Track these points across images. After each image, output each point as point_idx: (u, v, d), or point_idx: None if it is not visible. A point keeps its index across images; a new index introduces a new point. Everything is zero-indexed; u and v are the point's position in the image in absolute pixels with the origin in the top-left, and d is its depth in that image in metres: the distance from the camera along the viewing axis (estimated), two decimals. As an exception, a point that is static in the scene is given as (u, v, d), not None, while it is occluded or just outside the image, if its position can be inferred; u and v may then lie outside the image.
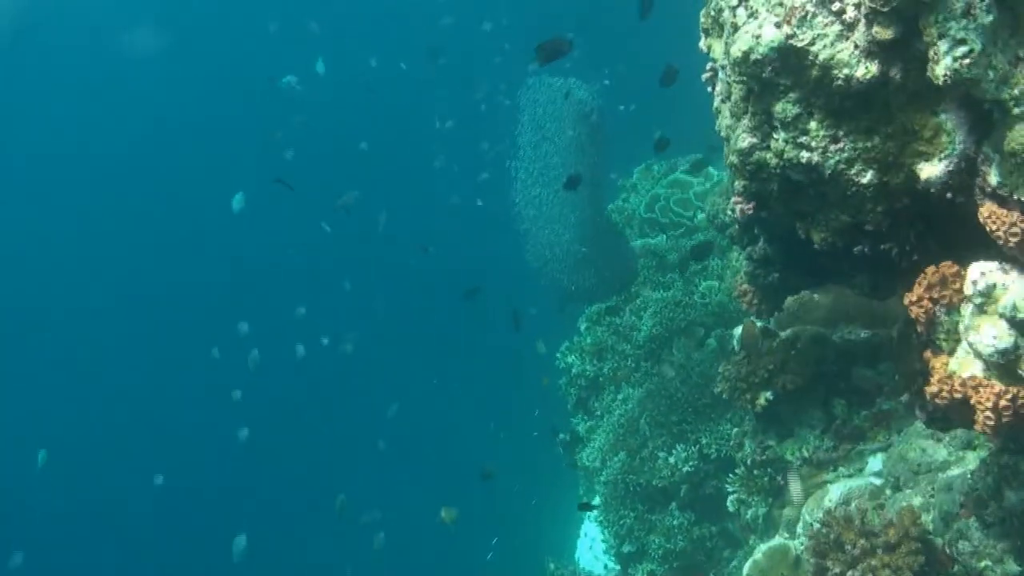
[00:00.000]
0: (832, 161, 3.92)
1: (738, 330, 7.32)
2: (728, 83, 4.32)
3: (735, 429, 7.60)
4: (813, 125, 3.93)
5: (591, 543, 11.14)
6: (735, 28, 4.10)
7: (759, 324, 7.02)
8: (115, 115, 27.76)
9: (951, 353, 3.90)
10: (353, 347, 16.61)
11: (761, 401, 6.77)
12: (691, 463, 9.18)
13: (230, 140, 25.24)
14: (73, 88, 28.63)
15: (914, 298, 3.95)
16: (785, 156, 4.02)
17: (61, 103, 28.70)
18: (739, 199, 4.40)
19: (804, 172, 4.02)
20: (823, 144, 3.92)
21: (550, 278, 11.06)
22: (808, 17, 3.77)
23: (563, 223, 10.79)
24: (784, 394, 6.72)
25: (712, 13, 4.39)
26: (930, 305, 3.91)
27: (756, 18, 4.02)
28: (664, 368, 9.43)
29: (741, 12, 4.09)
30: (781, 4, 3.89)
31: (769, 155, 4.11)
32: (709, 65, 4.79)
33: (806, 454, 6.70)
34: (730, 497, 7.45)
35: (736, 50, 3.96)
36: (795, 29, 3.80)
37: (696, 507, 9.34)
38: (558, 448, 11.46)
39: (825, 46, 3.76)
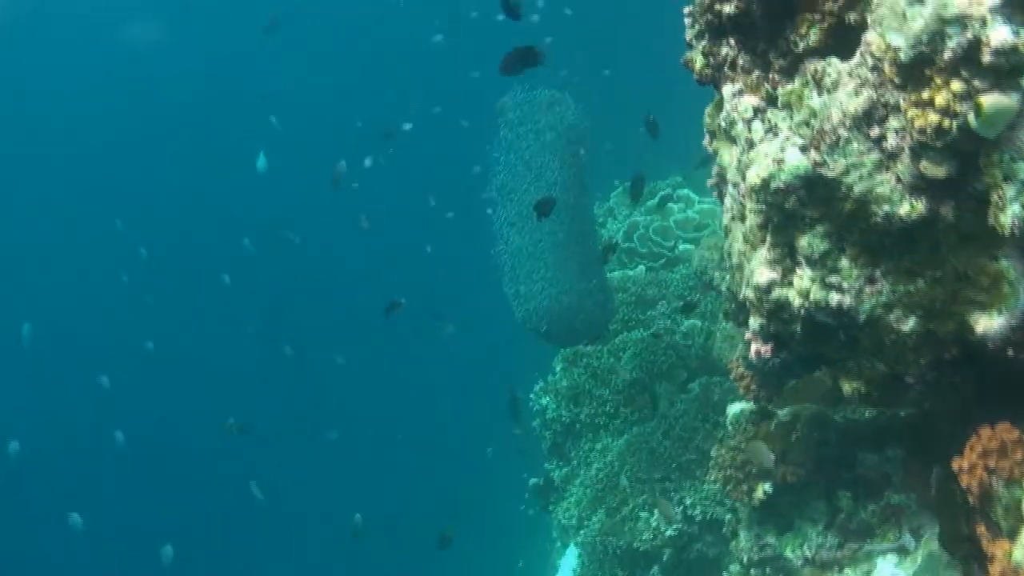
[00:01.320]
0: (867, 305, 3.31)
1: (732, 408, 6.73)
2: (741, 203, 3.70)
3: (728, 516, 7.02)
4: (845, 263, 3.32)
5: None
6: (750, 144, 3.48)
7: (753, 405, 6.43)
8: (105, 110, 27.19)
9: (1013, 537, 3.30)
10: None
11: (759, 494, 6.17)
12: (675, 525, 8.59)
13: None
14: (70, 82, 27.93)
15: (965, 465, 3.35)
16: (811, 297, 3.41)
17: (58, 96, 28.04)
18: (754, 338, 3.79)
19: (833, 315, 3.41)
20: (857, 285, 3.31)
21: (528, 320, 10.33)
22: (841, 143, 3.15)
23: (545, 262, 10.04)
24: (784, 486, 6.15)
25: (723, 124, 3.75)
26: (985, 476, 3.31)
27: (776, 136, 3.40)
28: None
29: (758, 126, 3.47)
30: (807, 124, 3.27)
31: (792, 294, 3.50)
32: (715, 170, 4.17)
33: (808, 553, 6.11)
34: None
35: (754, 175, 3.34)
36: (825, 156, 3.18)
37: (679, 572, 8.76)
38: (527, 495, 10.87)
39: (861, 177, 3.15)
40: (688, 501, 8.62)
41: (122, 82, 27.28)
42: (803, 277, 3.41)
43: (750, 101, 3.51)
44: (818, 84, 3.27)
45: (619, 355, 10.00)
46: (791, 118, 3.38)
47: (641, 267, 10.87)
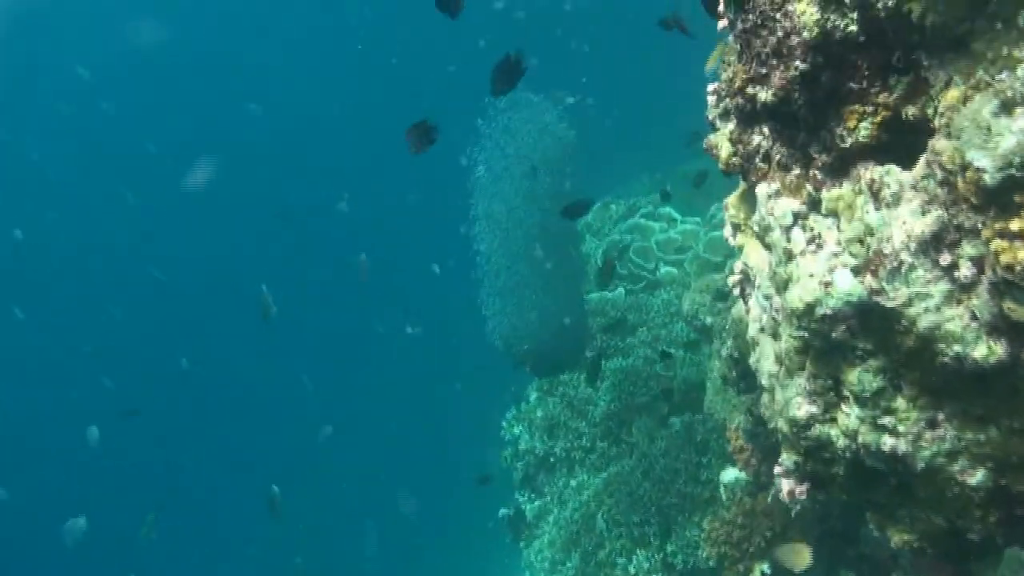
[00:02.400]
0: (927, 453, 2.82)
1: (726, 476, 6.26)
2: (774, 318, 3.19)
3: (716, 585, 6.56)
4: (902, 404, 2.82)
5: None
6: (789, 256, 2.98)
7: (745, 476, 5.96)
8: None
9: None
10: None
11: (756, 575, 5.73)
12: None
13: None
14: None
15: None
16: (860, 439, 2.91)
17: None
18: (787, 476, 3.29)
19: (885, 461, 2.92)
20: (915, 430, 2.82)
21: (508, 349, 9.78)
22: (903, 269, 2.65)
23: (526, 291, 9.48)
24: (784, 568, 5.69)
25: (755, 228, 3.22)
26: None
27: (820, 248, 2.90)
28: None
29: (798, 236, 2.97)
30: (860, 242, 2.77)
31: (835, 432, 3.00)
32: (738, 267, 3.66)
33: (810, 640, 5.67)
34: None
35: (796, 298, 2.84)
36: (884, 283, 2.68)
37: (659, 621, 8.32)
38: (501, 526, 10.39)
39: (927, 310, 2.65)
40: (669, 548, 8.17)
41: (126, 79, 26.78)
42: (850, 415, 2.91)
43: (789, 205, 3.00)
44: (875, 196, 2.77)
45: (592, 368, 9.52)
46: (838, 229, 2.88)
47: (620, 289, 10.38)
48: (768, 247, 3.11)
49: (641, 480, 8.58)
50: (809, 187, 3.00)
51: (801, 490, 3.24)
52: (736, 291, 3.74)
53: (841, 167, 2.99)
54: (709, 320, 7.55)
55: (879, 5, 2.68)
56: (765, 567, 5.69)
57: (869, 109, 2.91)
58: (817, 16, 2.84)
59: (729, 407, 6.38)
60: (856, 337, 2.79)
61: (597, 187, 12.36)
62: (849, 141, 2.94)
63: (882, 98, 2.89)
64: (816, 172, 3.02)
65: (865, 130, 2.92)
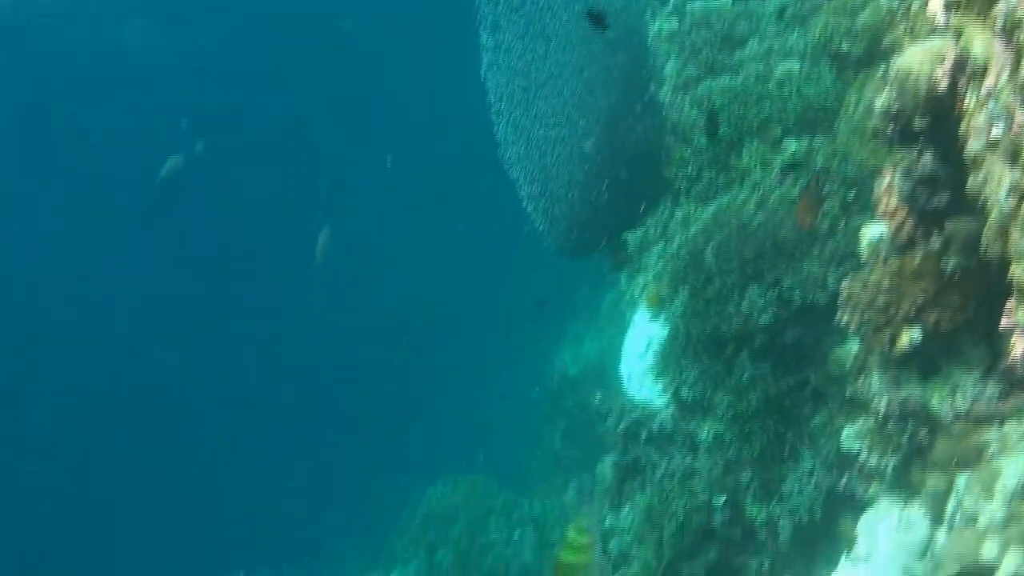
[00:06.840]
0: None
1: (872, 230, 5.58)
2: (1014, 141, 2.49)
3: (852, 347, 6.04)
4: None
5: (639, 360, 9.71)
6: None
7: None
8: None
9: None
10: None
11: (904, 343, 5.17)
12: (769, 312, 7.68)
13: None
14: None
15: None
16: None
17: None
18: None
19: None
20: None
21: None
22: None
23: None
24: (936, 333, 5.12)
25: (1000, 18, 2.43)
26: None
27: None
28: None
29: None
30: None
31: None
32: (951, 54, 2.89)
33: (961, 406, 5.15)
34: (846, 440, 5.93)
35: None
36: None
37: (772, 357, 7.92)
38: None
39: None
40: (786, 283, 7.68)
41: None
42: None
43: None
44: None
45: (702, 106, 8.80)
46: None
47: (723, -7, 9.40)
48: (1018, 50, 2.38)
49: (754, 212, 7.99)
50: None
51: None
52: (944, 82, 3.02)
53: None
54: (846, 47, 6.73)
55: None
56: (915, 334, 5.14)
57: None
58: None
59: (874, 157, 5.69)
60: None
61: None
62: None
63: None
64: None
65: None
